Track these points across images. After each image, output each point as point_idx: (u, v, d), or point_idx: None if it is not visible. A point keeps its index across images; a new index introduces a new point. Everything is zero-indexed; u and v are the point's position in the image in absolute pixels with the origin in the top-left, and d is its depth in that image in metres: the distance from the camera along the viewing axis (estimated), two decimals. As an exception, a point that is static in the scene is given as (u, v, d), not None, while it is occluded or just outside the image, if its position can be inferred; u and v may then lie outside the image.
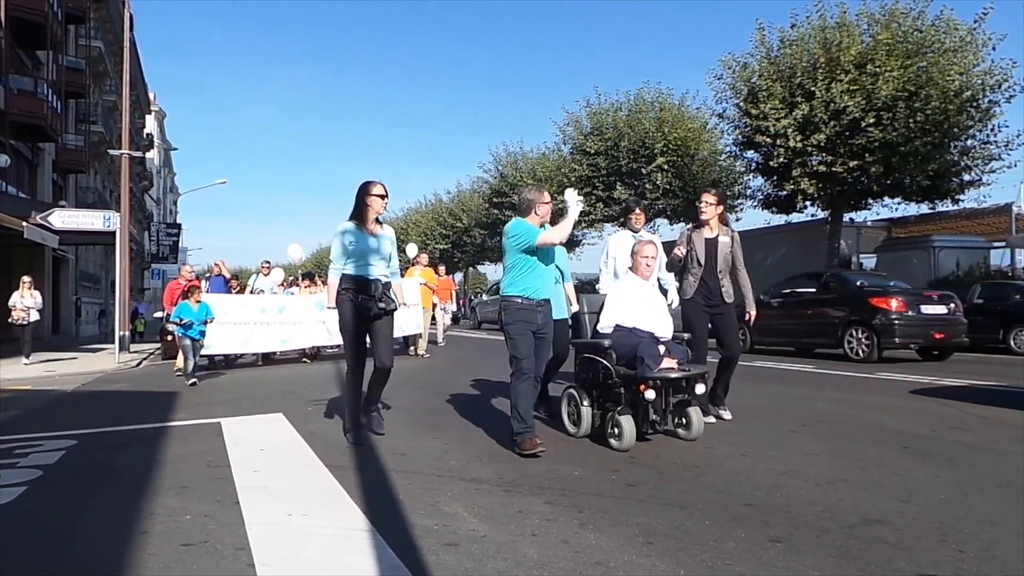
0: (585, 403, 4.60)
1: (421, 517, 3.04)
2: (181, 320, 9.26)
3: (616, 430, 4.28)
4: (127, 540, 2.83)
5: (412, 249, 15.34)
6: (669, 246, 5.83)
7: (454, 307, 19.22)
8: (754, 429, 4.99)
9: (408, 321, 11.39)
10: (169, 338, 13.67)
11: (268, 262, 13.76)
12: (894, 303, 10.34)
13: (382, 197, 4.80)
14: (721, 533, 2.74)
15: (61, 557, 2.75)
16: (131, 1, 18.27)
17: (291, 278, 16.20)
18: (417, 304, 11.72)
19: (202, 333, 9.49)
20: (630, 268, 4.98)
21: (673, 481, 3.58)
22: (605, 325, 4.66)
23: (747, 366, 9.71)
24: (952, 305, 10.69)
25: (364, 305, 4.61)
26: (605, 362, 4.41)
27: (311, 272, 15.20)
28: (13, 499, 3.55)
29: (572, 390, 4.75)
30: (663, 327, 4.67)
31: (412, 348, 12.37)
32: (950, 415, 5.54)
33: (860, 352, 10.48)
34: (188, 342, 9.19)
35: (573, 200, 4.34)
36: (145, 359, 14.03)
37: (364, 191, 4.79)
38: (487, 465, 4.00)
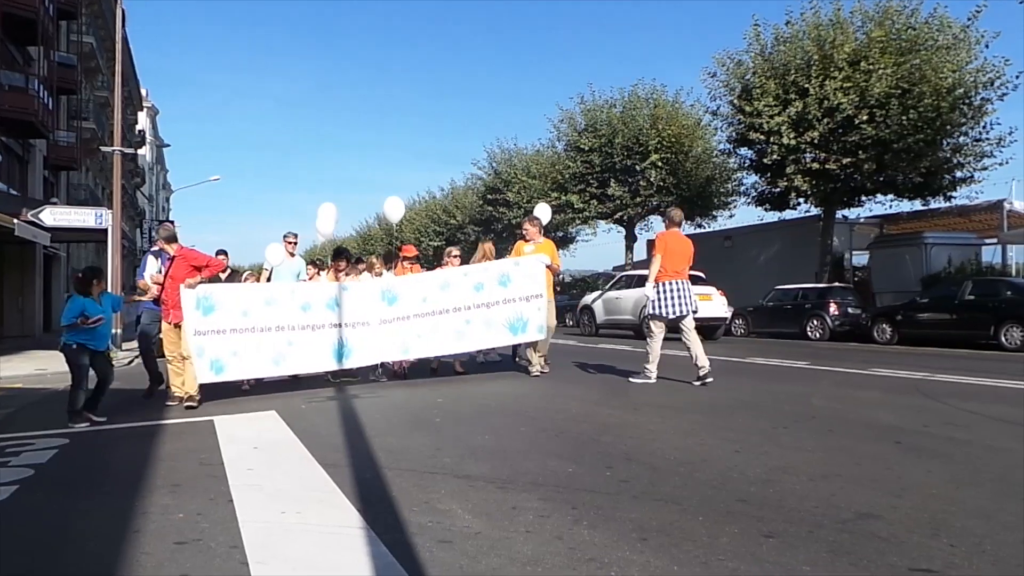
0: None
1: (415, 514, 3.04)
2: (86, 319, 5.79)
3: None
4: (120, 539, 2.82)
5: (544, 210, 9.21)
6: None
7: None
8: (748, 424, 5.00)
9: (530, 320, 7.95)
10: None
11: (294, 235, 8.81)
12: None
13: None
14: (715, 528, 2.75)
15: (54, 556, 2.74)
16: (123, -3, 18.15)
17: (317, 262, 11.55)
18: (543, 296, 8.03)
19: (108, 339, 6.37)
20: None
21: (667, 477, 3.59)
22: None
23: (740, 362, 9.73)
24: None
25: None
26: None
27: (344, 248, 10.87)
28: (6, 498, 3.53)
29: None
30: None
31: (521, 358, 8.66)
32: (943, 411, 5.57)
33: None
34: (87, 360, 5.89)
35: None
36: (137, 357, 13.95)
37: None
38: (481, 462, 4.00)
